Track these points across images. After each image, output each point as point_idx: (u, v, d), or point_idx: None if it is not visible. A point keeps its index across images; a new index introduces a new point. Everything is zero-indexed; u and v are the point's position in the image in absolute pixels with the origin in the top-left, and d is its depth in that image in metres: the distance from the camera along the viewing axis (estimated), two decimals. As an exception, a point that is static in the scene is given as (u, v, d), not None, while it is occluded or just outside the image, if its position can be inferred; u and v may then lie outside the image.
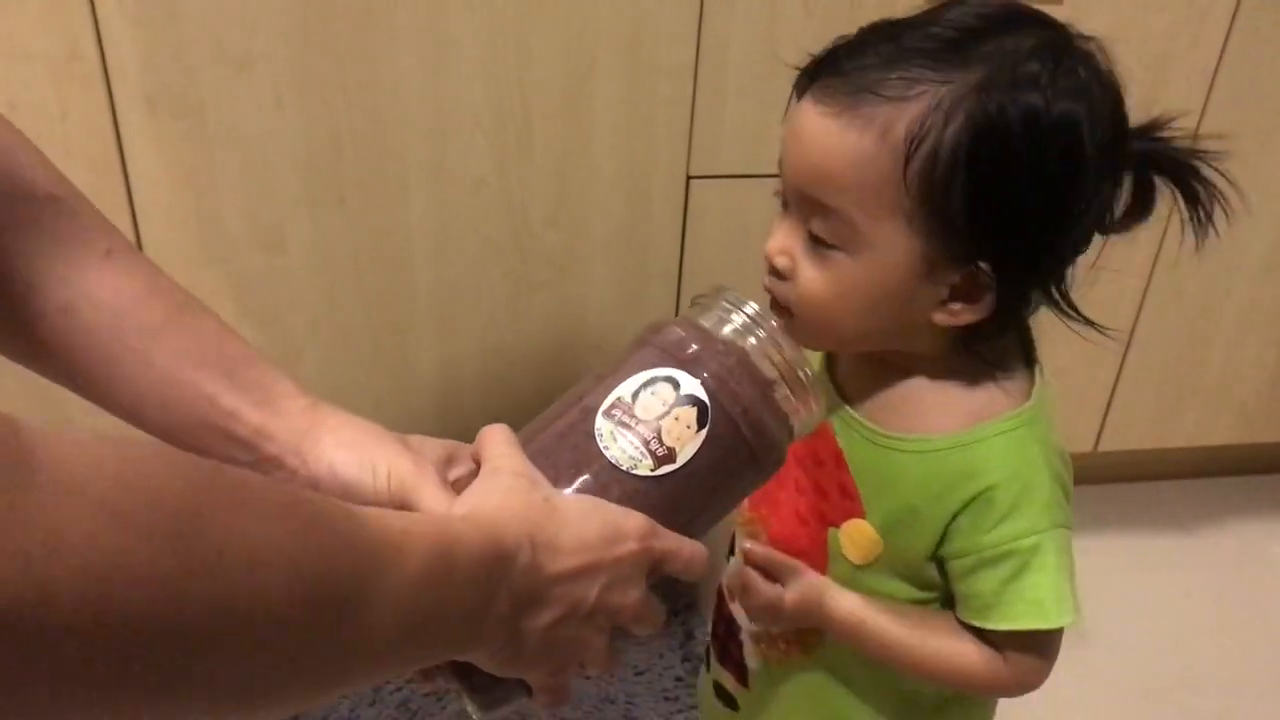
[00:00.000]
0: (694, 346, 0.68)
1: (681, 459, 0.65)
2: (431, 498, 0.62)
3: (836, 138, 0.66)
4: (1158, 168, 0.71)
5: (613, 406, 0.66)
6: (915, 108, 0.64)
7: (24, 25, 1.09)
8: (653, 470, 0.65)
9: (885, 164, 0.65)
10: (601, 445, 0.65)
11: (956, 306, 0.69)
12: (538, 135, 1.24)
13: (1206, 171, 0.71)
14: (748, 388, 0.67)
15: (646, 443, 0.65)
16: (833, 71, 0.67)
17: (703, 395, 0.66)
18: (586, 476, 0.65)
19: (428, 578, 0.51)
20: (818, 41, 0.70)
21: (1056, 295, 0.72)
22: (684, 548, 0.66)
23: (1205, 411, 1.60)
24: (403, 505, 0.62)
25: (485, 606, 0.56)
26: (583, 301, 1.36)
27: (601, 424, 0.66)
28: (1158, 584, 1.59)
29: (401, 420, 1.35)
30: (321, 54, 1.15)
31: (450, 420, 1.38)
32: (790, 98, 0.70)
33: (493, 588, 0.56)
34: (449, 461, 0.68)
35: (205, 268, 1.24)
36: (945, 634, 0.76)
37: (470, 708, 0.67)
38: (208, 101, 1.16)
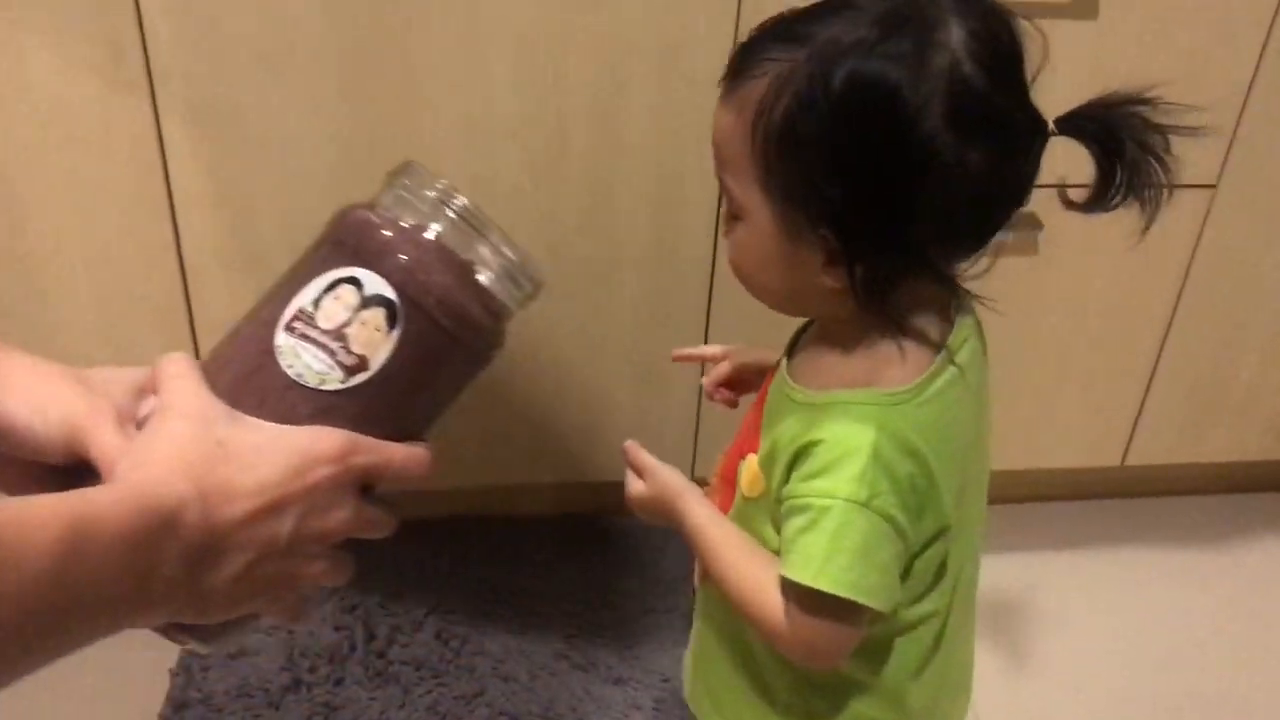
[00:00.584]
0: (376, 238, 0.63)
1: (375, 364, 0.61)
2: (104, 443, 0.58)
3: (720, 117, 0.73)
4: (1111, 140, 0.71)
5: (294, 319, 0.62)
6: (762, 84, 0.70)
7: (71, 31, 1.12)
8: (344, 382, 0.61)
9: (742, 137, 0.71)
10: (284, 364, 0.61)
11: (833, 271, 0.73)
12: (572, 144, 1.25)
13: (1158, 147, 0.71)
14: (440, 275, 0.62)
15: (333, 354, 0.61)
16: (733, 60, 0.73)
17: (389, 293, 0.61)
18: (272, 400, 0.61)
19: (54, 573, 0.48)
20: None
21: (937, 272, 0.73)
22: (395, 455, 0.63)
23: (1235, 427, 1.60)
24: (74, 451, 0.59)
25: (144, 577, 0.53)
26: (613, 310, 1.37)
27: (283, 340, 0.61)
28: (1185, 600, 1.58)
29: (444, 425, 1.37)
30: (358, 62, 1.17)
31: (487, 421, 1.39)
32: None
33: (150, 556, 0.53)
34: (140, 394, 0.63)
35: (242, 269, 1.26)
36: (761, 567, 0.79)
37: (192, 645, 0.65)
38: (247, 106, 1.18)
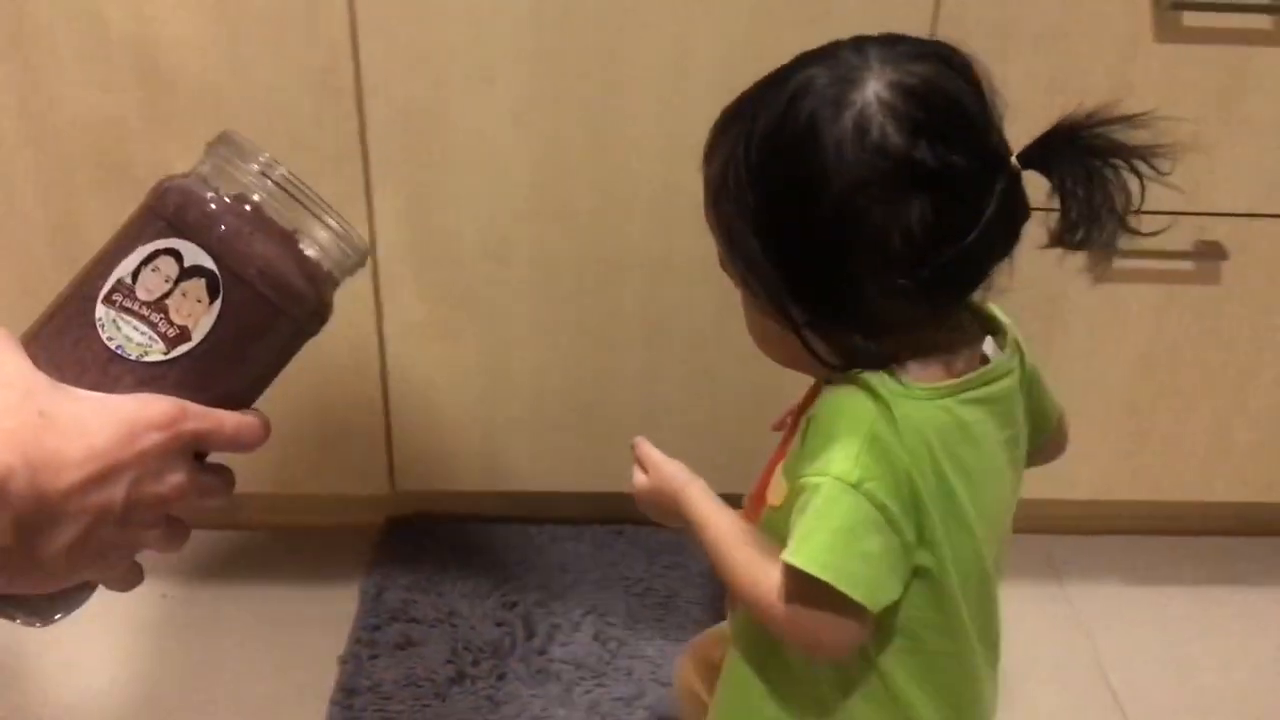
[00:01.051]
0: (194, 209, 0.62)
1: (197, 335, 0.62)
2: None
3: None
4: (1078, 169, 0.69)
5: (113, 291, 0.62)
6: (715, 168, 0.75)
7: (288, 38, 1.16)
8: (166, 354, 0.62)
9: (711, 222, 0.76)
10: (105, 336, 0.61)
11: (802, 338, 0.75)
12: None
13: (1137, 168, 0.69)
14: (262, 244, 0.63)
15: (154, 325, 0.61)
16: None
17: (209, 263, 0.61)
18: (93, 372, 0.61)
19: None
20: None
21: (865, 342, 0.73)
22: (226, 422, 0.63)
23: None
24: None
25: None
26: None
27: (103, 312, 0.62)
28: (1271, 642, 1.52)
29: (602, 430, 1.39)
30: (560, 75, 1.19)
31: (649, 432, 1.41)
32: None
33: None
34: None
35: (435, 270, 1.30)
36: (761, 553, 0.78)
37: (25, 622, 0.65)
38: (451, 115, 1.21)
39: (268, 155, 0.65)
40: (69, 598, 0.65)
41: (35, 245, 1.25)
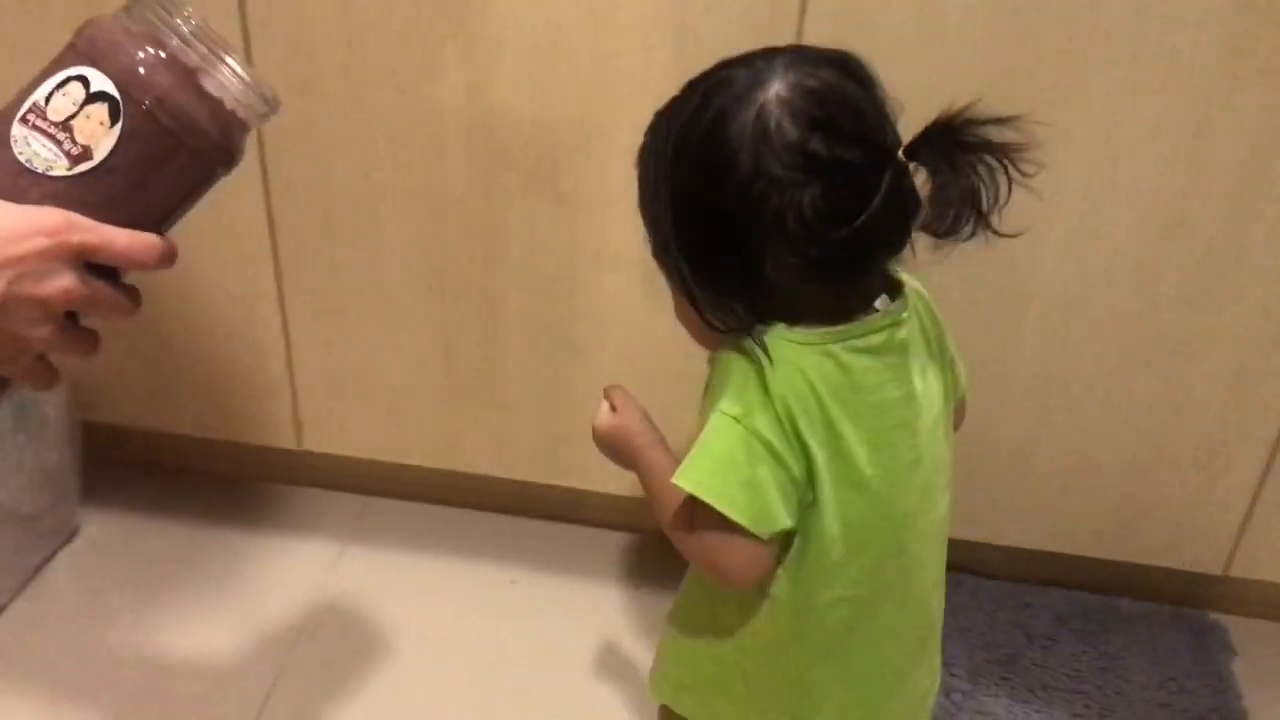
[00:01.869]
0: (105, 40, 0.68)
1: (99, 155, 0.67)
2: None
3: None
4: (955, 163, 0.73)
5: (28, 112, 0.68)
6: (639, 165, 0.82)
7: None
8: (69, 170, 0.67)
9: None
10: (16, 151, 0.67)
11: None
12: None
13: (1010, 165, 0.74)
14: (163, 76, 0.67)
15: (59, 143, 0.67)
16: None
17: (112, 90, 0.67)
18: (4, 184, 0.67)
19: None
20: None
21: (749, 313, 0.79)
22: (118, 238, 0.68)
23: None
24: None
25: None
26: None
27: (17, 130, 0.67)
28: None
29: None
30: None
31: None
32: None
33: None
34: None
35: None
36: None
37: None
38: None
39: (188, 9, 0.70)
40: None
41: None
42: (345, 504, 1.60)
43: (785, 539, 0.82)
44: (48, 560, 1.48)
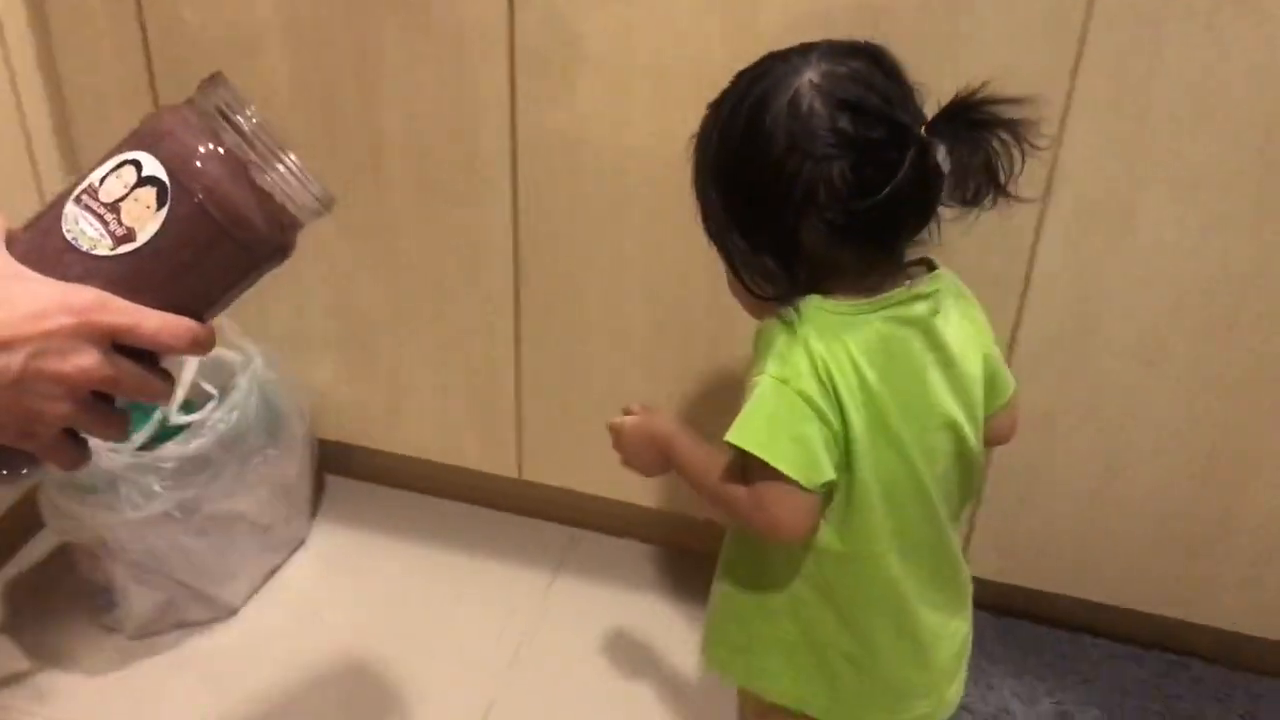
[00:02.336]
0: (162, 128, 0.70)
1: (142, 237, 0.68)
2: None
3: None
4: (973, 140, 0.82)
5: (83, 193, 0.70)
6: (694, 149, 0.91)
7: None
8: (112, 250, 0.69)
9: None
10: (65, 229, 0.69)
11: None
12: None
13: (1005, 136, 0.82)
14: (215, 167, 0.69)
15: (106, 223, 0.69)
16: None
17: (163, 175, 0.68)
18: (50, 258, 0.69)
19: None
20: None
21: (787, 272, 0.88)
22: (148, 320, 0.68)
23: None
24: None
25: None
26: None
27: (69, 209, 0.70)
28: None
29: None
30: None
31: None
32: None
33: None
34: None
35: (1085, 363, 1.26)
36: (719, 452, 0.92)
37: None
38: (1139, 217, 1.17)
39: (251, 108, 0.71)
40: (12, 467, 0.74)
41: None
42: (558, 534, 1.63)
43: (828, 494, 0.90)
44: (278, 568, 1.55)
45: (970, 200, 0.84)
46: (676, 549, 1.61)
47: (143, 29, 1.37)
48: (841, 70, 0.84)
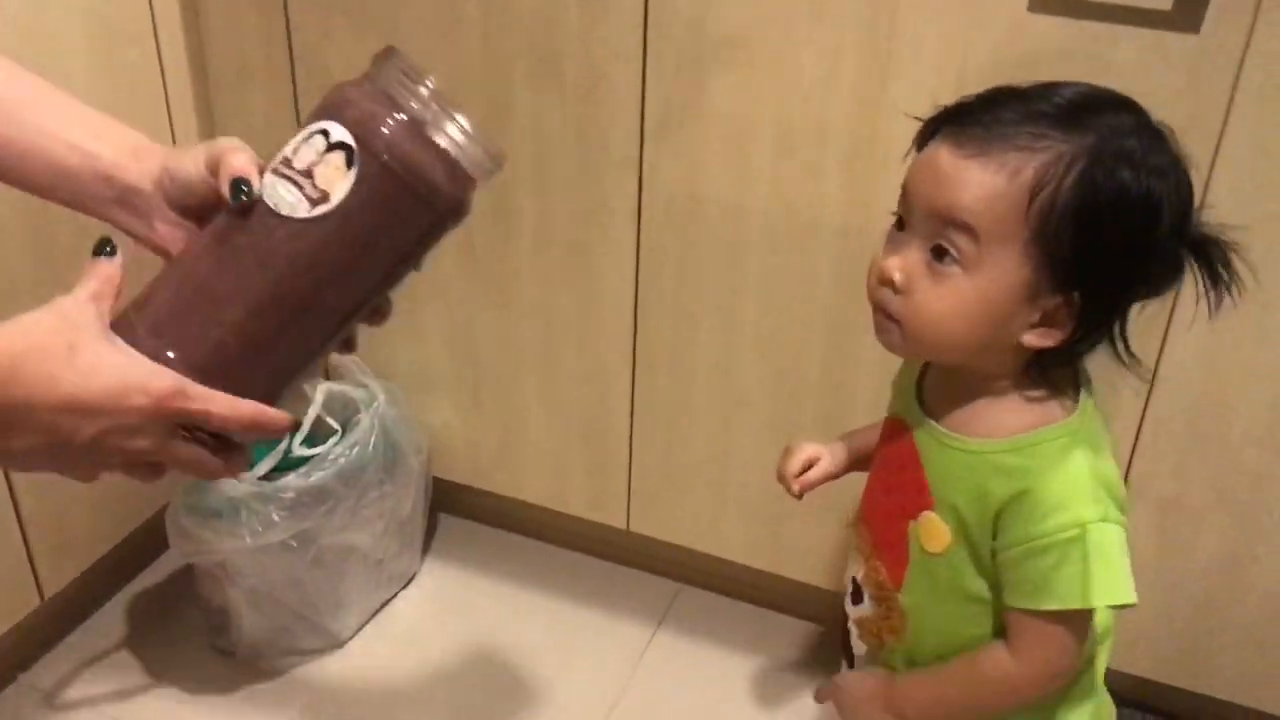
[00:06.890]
0: (345, 97, 0.75)
1: (336, 198, 0.73)
2: (234, 165, 0.74)
3: (974, 173, 0.79)
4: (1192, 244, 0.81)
5: (280, 163, 0.75)
6: (1042, 158, 0.79)
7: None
8: (310, 212, 0.73)
9: (1012, 199, 0.79)
10: (265, 195, 0.74)
11: (1044, 330, 0.82)
12: None
13: (1226, 252, 0.82)
14: (396, 128, 0.73)
15: (301, 188, 0.73)
16: (970, 122, 0.81)
17: (349, 139, 0.73)
18: (255, 225, 0.74)
19: None
20: None
21: (1119, 333, 0.84)
22: (220, 407, 0.71)
23: None
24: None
25: None
26: None
27: (268, 178, 0.74)
28: None
29: None
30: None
31: None
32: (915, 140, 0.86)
33: None
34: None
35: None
36: (969, 661, 0.89)
37: None
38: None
39: (429, 76, 0.75)
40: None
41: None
42: (661, 588, 1.63)
43: None
44: (387, 602, 1.58)
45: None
46: (776, 611, 1.60)
47: (286, 19, 1.42)
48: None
